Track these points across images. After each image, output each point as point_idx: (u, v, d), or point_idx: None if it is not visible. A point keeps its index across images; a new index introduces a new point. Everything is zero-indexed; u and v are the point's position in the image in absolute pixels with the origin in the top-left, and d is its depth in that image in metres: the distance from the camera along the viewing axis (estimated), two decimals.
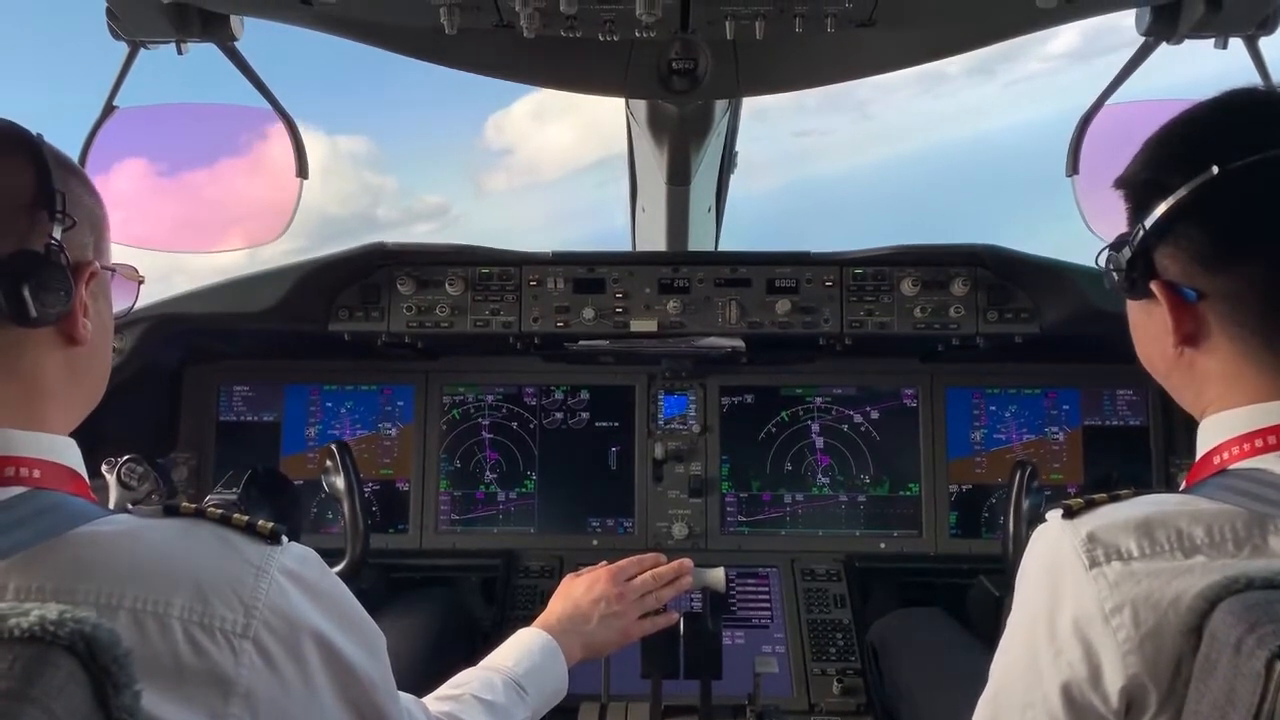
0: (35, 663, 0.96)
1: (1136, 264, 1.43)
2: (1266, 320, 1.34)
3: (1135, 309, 1.53)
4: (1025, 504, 2.70)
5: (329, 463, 2.86)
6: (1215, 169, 1.32)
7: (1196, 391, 1.46)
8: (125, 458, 2.73)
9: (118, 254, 1.57)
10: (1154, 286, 1.42)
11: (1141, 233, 1.41)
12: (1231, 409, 1.38)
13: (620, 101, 2.98)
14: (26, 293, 1.27)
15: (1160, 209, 1.38)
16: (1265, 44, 2.36)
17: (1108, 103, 2.66)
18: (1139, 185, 1.46)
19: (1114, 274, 1.48)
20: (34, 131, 1.40)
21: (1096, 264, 1.55)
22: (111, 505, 2.68)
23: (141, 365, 3.13)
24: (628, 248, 4.16)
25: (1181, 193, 1.35)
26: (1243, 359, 1.37)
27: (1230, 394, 1.39)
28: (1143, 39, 2.42)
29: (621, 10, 2.01)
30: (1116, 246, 1.48)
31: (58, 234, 1.32)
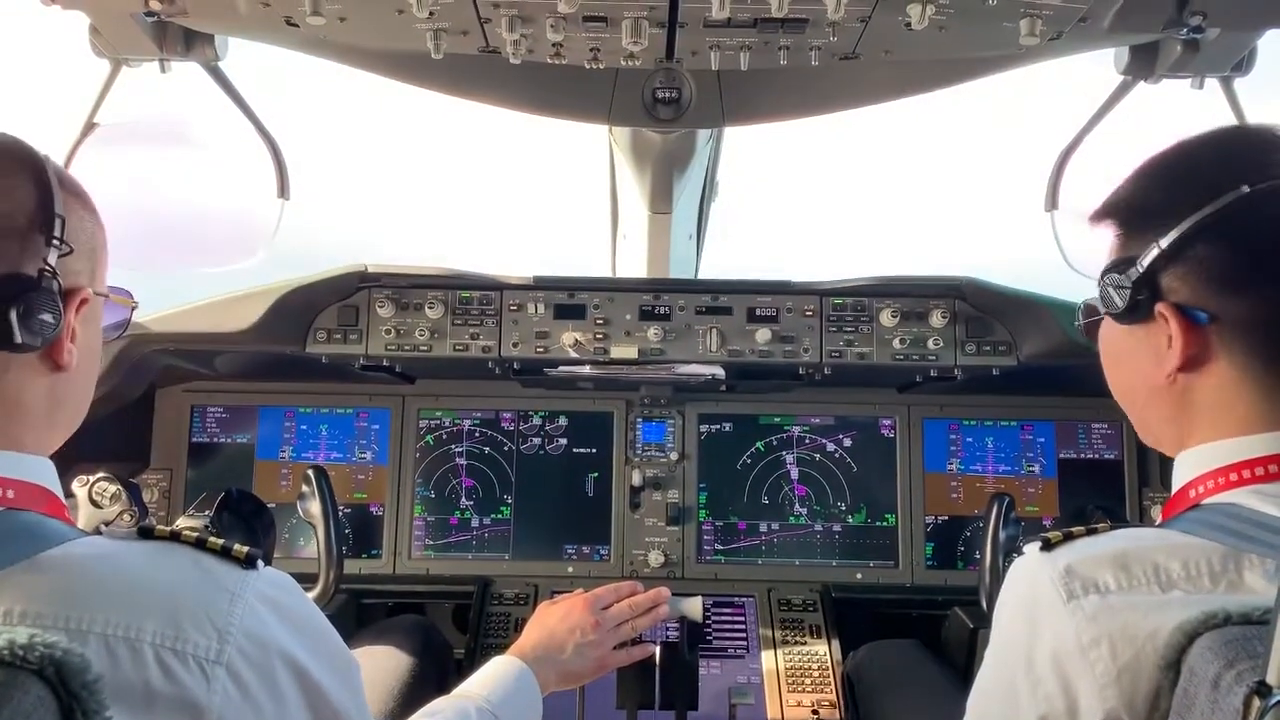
0: (3, 687, 0.94)
1: (1143, 286, 1.40)
2: (1272, 344, 1.34)
3: (1121, 336, 1.51)
4: (1003, 535, 2.71)
5: (305, 488, 2.85)
6: (1246, 188, 1.32)
7: (1180, 422, 1.45)
8: (97, 476, 2.71)
9: None
10: (1161, 309, 1.39)
11: (1156, 251, 1.38)
12: (1211, 443, 1.39)
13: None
14: (14, 317, 1.25)
15: (1181, 227, 1.35)
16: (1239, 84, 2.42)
17: (1085, 139, 2.71)
18: (1136, 208, 1.45)
19: (1115, 296, 1.44)
20: (40, 152, 1.38)
21: (1099, 283, 1.49)
22: (81, 523, 2.65)
23: (114, 384, 3.09)
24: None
25: (1206, 211, 1.34)
26: (1240, 384, 1.36)
27: (1218, 423, 1.39)
28: (1121, 78, 2.47)
29: (607, 39, 2.03)
30: (1120, 268, 1.44)
31: (53, 260, 1.30)
